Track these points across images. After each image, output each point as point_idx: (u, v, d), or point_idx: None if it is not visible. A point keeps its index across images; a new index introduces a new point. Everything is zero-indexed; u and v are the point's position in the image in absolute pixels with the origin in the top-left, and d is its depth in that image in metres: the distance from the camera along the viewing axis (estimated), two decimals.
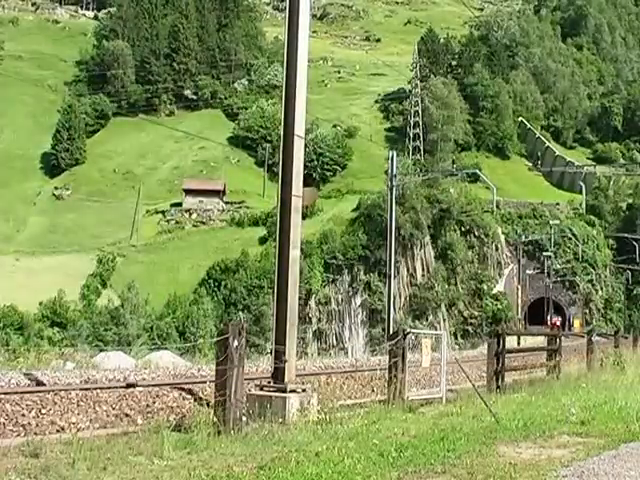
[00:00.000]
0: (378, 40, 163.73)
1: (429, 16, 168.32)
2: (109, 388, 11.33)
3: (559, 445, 8.55)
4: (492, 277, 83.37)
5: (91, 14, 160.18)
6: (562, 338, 21.00)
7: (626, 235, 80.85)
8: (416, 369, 15.63)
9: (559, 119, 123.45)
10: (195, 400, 11.91)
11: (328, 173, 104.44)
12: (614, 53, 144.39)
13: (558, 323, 74.65)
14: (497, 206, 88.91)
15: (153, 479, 6.49)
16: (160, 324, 71.41)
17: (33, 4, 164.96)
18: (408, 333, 13.63)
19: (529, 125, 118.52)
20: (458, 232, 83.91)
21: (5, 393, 10.17)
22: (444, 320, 79.37)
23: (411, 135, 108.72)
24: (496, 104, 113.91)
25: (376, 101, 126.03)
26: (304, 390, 10.55)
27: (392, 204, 33.04)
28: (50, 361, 17.58)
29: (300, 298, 12.98)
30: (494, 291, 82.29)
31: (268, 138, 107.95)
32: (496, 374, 15.45)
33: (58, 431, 9.87)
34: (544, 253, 77.78)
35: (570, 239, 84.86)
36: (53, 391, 10.64)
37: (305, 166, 11.89)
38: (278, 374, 10.38)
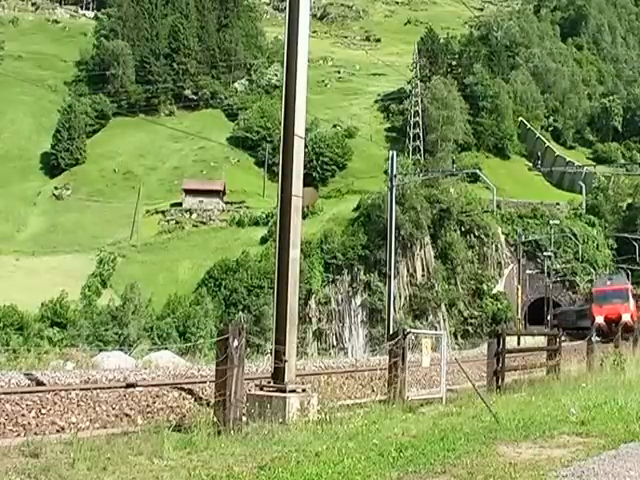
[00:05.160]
0: (378, 40, 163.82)
1: (429, 16, 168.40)
2: (109, 388, 11.33)
3: (559, 445, 8.54)
4: (492, 277, 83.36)
5: (91, 14, 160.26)
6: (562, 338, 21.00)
7: (626, 235, 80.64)
8: (416, 369, 15.64)
9: (559, 119, 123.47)
10: (195, 400, 11.91)
11: (328, 173, 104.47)
12: (614, 53, 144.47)
13: None
14: (497, 206, 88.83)
15: (153, 479, 6.50)
16: (160, 324, 71.45)
17: (33, 4, 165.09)
18: (408, 333, 13.63)
19: (529, 125, 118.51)
20: (458, 232, 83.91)
21: (5, 393, 10.17)
22: (444, 320, 79.33)
23: (411, 135, 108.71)
24: (496, 104, 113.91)
25: (376, 101, 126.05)
26: (304, 390, 10.55)
27: (392, 204, 33.02)
28: (50, 361, 17.57)
29: (300, 298, 12.98)
30: (494, 291, 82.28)
31: (268, 138, 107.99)
32: (496, 374, 15.46)
33: (58, 431, 9.87)
34: (544, 253, 77.70)
35: (570, 239, 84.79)
36: (53, 391, 10.63)
37: (305, 166, 11.88)
38: (278, 374, 10.37)
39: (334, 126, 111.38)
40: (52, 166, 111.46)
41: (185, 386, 12.29)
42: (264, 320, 67.51)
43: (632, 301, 42.77)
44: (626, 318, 39.06)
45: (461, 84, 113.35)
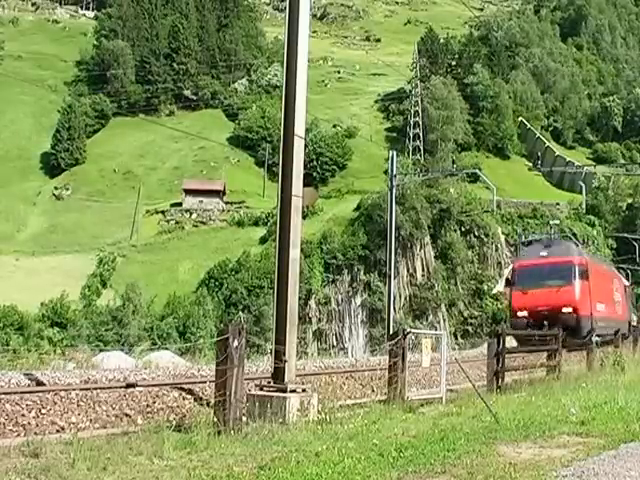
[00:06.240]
0: (378, 40, 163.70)
1: (429, 16, 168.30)
2: (109, 388, 11.32)
3: (559, 445, 8.54)
4: (492, 277, 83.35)
5: (91, 14, 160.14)
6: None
7: (626, 235, 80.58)
8: (416, 369, 15.64)
9: (559, 119, 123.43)
10: (195, 400, 11.91)
11: (328, 173, 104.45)
12: (614, 53, 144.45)
13: None
14: (497, 206, 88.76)
15: (153, 479, 6.49)
16: (161, 324, 71.47)
17: (33, 4, 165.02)
18: (408, 333, 13.63)
19: (529, 125, 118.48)
20: (458, 232, 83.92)
21: (5, 393, 10.16)
22: (444, 320, 79.34)
23: (411, 135, 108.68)
24: (496, 104, 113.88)
25: (376, 101, 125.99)
26: (304, 390, 10.54)
27: (392, 204, 33.05)
28: (50, 361, 17.57)
29: (300, 298, 12.97)
30: (494, 291, 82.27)
31: (268, 138, 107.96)
32: (496, 374, 15.46)
33: (58, 431, 9.87)
34: None
35: (570, 239, 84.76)
36: (53, 391, 10.63)
37: (305, 166, 11.87)
38: (278, 374, 10.37)
39: (334, 126, 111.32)
40: (52, 166, 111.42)
41: (185, 386, 12.28)
42: (264, 320, 67.47)
43: (580, 282, 25.80)
44: (566, 311, 24.53)
45: (461, 84, 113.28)
